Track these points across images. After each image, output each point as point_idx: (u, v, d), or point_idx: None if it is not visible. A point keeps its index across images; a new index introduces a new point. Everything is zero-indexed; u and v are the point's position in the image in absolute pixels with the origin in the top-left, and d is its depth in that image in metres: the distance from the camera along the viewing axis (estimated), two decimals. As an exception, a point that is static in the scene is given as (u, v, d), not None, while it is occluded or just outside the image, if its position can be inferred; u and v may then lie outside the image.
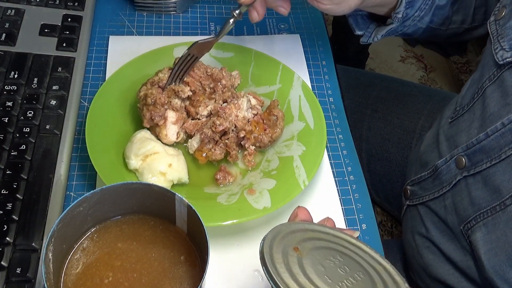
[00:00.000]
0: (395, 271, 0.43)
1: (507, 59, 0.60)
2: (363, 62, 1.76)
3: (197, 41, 0.67)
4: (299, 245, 0.42)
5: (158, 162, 0.61)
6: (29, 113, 0.65)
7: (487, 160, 0.60)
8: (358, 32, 0.77)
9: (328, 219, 0.49)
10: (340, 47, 1.60)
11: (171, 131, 0.65)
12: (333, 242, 0.44)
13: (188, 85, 0.67)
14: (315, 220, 0.49)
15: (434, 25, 0.76)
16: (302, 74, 0.79)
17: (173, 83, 0.67)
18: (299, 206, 0.48)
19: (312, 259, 0.41)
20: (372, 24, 0.76)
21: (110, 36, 0.80)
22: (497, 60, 0.61)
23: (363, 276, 0.41)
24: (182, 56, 0.67)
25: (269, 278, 0.38)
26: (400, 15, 0.70)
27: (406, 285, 0.41)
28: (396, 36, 0.78)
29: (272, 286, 0.37)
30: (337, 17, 1.57)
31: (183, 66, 0.67)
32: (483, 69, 0.65)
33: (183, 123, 0.67)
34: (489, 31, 0.65)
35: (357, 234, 0.47)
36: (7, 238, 0.55)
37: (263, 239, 0.41)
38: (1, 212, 0.56)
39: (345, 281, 0.40)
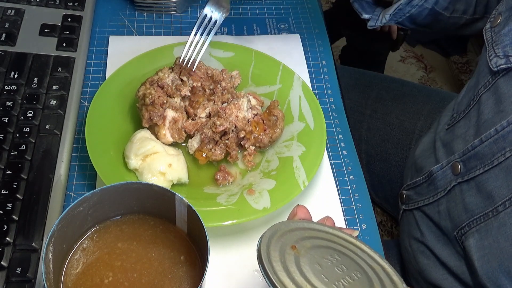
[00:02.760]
0: (394, 271, 0.43)
1: (501, 66, 0.59)
2: (381, 65, 1.68)
3: None
4: (297, 243, 0.42)
5: (158, 162, 0.61)
6: (29, 113, 0.65)
7: (480, 166, 0.60)
8: (365, 16, 0.76)
9: (327, 218, 0.49)
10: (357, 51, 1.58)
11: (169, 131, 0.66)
12: (331, 241, 0.44)
13: (192, 79, 0.67)
14: (315, 219, 0.49)
15: (439, 8, 0.76)
16: (302, 74, 0.79)
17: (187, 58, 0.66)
18: (298, 205, 0.48)
19: (310, 257, 0.41)
20: (378, 7, 0.76)
21: (110, 36, 0.80)
22: (491, 67, 0.61)
23: (360, 276, 0.41)
24: (199, 19, 0.67)
25: (265, 276, 0.38)
26: None
27: (404, 285, 0.41)
28: (400, 24, 0.78)
29: (268, 284, 0.38)
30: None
31: (202, 31, 0.66)
32: (478, 76, 0.66)
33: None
34: (485, 38, 0.64)
35: (356, 233, 0.47)
36: (7, 238, 0.55)
37: (261, 237, 0.41)
38: (1, 212, 0.56)
39: (342, 280, 0.40)
